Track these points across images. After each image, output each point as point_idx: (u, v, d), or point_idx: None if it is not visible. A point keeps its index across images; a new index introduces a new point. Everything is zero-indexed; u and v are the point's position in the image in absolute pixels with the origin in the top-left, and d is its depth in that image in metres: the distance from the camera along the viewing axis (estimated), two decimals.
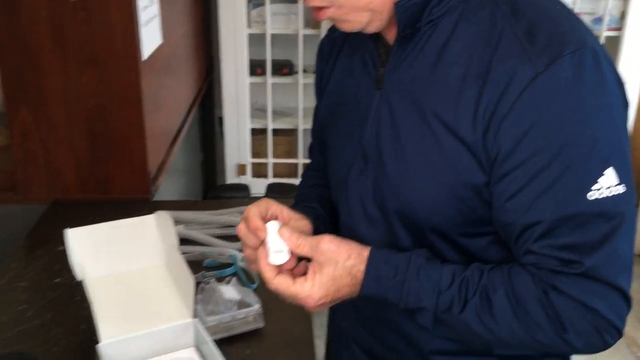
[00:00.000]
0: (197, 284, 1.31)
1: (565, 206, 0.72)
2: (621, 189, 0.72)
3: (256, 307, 1.22)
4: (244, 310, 1.21)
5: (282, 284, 0.84)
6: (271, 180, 3.41)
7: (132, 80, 1.68)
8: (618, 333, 0.76)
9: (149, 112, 1.80)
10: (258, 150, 3.44)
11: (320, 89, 1.04)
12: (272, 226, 0.86)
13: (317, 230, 0.96)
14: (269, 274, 0.85)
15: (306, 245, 0.83)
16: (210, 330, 1.18)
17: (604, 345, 0.76)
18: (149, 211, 1.67)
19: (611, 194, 0.71)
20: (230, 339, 1.19)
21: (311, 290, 0.81)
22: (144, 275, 1.19)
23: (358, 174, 0.88)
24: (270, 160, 3.42)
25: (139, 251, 1.21)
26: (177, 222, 1.62)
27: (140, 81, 1.69)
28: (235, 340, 1.19)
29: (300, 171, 3.48)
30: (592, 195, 0.71)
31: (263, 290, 1.34)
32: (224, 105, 3.25)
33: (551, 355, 0.90)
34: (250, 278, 1.42)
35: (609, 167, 0.71)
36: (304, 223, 0.94)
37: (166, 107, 2.16)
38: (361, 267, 0.81)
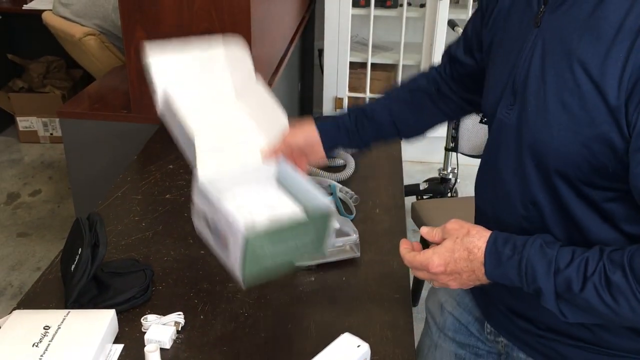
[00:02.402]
0: None
1: None
2: None
3: (354, 236, 1.25)
4: (342, 239, 1.24)
5: (408, 254, 0.92)
6: None
7: (242, 6, 1.70)
8: None
9: (256, 39, 1.82)
10: (355, 84, 3.41)
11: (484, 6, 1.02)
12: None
13: (330, 140, 1.13)
14: (402, 251, 0.94)
15: (438, 232, 0.91)
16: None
17: None
18: None
19: None
20: (327, 265, 1.23)
21: (431, 257, 0.88)
22: (226, 106, 1.15)
23: (507, 107, 0.89)
24: (368, 95, 3.39)
25: (219, 82, 1.15)
26: None
27: (249, 7, 1.70)
28: (332, 267, 1.23)
29: None
30: None
31: (360, 221, 1.37)
32: (325, 37, 3.23)
33: None
34: (348, 209, 1.44)
35: None
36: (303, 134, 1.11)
37: (271, 35, 2.18)
38: (479, 243, 0.85)
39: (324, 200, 0.99)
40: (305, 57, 3.54)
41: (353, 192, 1.48)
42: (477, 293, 1.07)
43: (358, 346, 0.96)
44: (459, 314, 1.12)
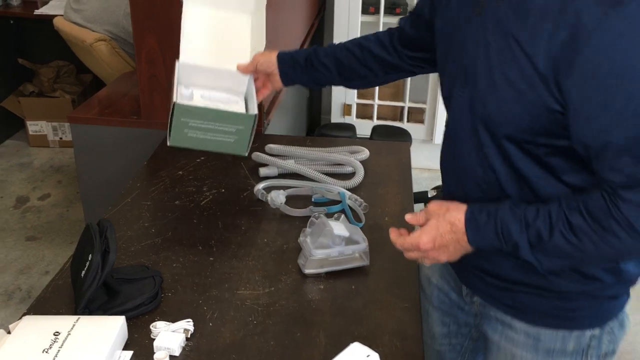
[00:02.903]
0: (307, 217, 1.36)
1: (631, 128, 0.82)
2: None
3: (363, 245, 1.25)
4: (352, 247, 1.24)
5: (399, 239, 1.07)
6: (376, 122, 3.40)
7: None
8: None
9: (267, 47, 1.82)
10: (363, 91, 3.42)
11: None
12: None
13: (286, 73, 1.39)
14: (393, 237, 1.09)
15: (422, 214, 1.05)
16: (318, 263, 1.22)
17: None
18: (261, 144, 1.73)
19: None
20: (336, 273, 1.23)
21: (419, 236, 1.02)
22: (233, 23, 1.44)
23: (460, 87, 1.00)
24: (376, 102, 3.39)
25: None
26: (288, 156, 1.67)
27: None
28: (341, 275, 1.23)
29: (406, 115, 3.44)
30: None
31: (370, 229, 1.37)
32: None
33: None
34: (357, 216, 1.44)
35: None
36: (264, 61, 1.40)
37: (281, 42, 2.18)
38: (459, 216, 0.99)
39: (254, 109, 1.31)
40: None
41: (362, 200, 1.48)
42: (455, 262, 1.15)
43: (368, 356, 0.96)
44: (441, 284, 1.26)
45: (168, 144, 1.31)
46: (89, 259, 1.05)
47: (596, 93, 0.83)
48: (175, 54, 1.75)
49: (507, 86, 0.90)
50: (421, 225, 1.03)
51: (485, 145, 0.97)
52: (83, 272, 1.06)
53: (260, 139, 1.79)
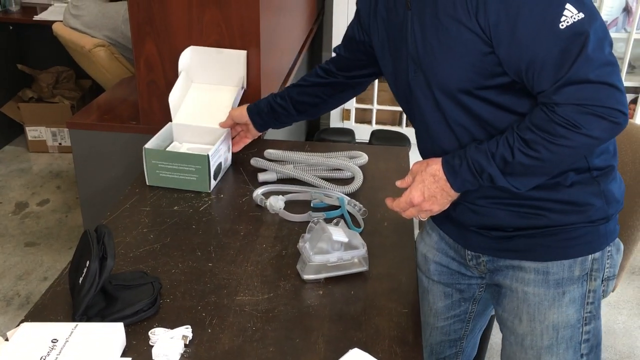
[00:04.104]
0: (306, 223, 1.36)
1: (548, 39, 0.97)
2: (582, 14, 0.96)
3: (363, 250, 1.24)
4: (351, 252, 1.23)
5: (394, 202, 1.20)
6: (375, 127, 3.40)
7: (251, 18, 1.71)
8: (621, 113, 0.98)
9: (265, 51, 1.82)
10: (362, 95, 3.41)
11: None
12: None
13: (257, 121, 1.63)
14: (389, 203, 1.22)
15: (408, 177, 1.19)
16: (317, 268, 1.22)
17: (616, 126, 0.98)
18: (260, 149, 1.73)
19: (575, 20, 0.96)
20: (335, 279, 1.23)
21: (409, 193, 1.16)
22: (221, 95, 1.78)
23: (413, 72, 1.16)
24: (375, 106, 3.39)
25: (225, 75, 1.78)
26: (286, 162, 1.67)
27: (259, 20, 1.71)
28: (340, 280, 1.23)
29: (405, 119, 3.44)
30: (562, 24, 0.96)
31: (369, 235, 1.37)
32: (333, 47, 3.23)
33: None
34: (356, 222, 1.44)
35: (566, 3, 0.96)
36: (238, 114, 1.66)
37: (280, 47, 2.19)
38: (437, 167, 1.13)
39: (210, 152, 1.53)
40: (313, 68, 3.55)
41: (361, 205, 1.47)
42: (452, 232, 1.29)
43: None
44: (439, 258, 1.35)
45: (147, 183, 1.58)
46: (87, 265, 1.05)
47: (506, 16, 0.98)
48: (175, 60, 1.75)
49: (447, 52, 1.07)
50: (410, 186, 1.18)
51: (449, 109, 1.12)
52: (81, 279, 1.06)
53: (259, 144, 1.79)
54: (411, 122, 1.28)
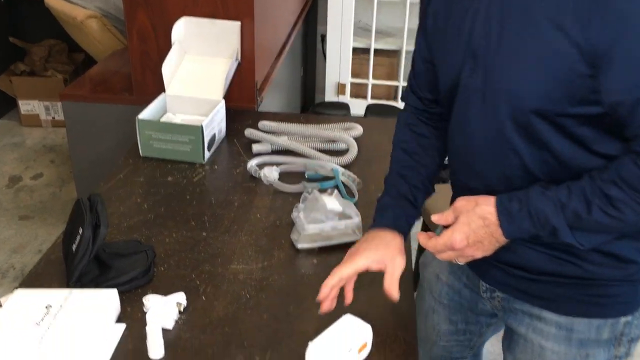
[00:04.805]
0: (300, 194, 1.36)
1: None
2: None
3: (356, 219, 1.25)
4: (345, 222, 1.24)
5: (430, 242, 0.97)
6: (370, 101, 3.38)
7: None
8: None
9: (259, 24, 1.80)
10: (358, 70, 3.40)
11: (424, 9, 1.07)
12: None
13: (405, 234, 1.09)
14: (422, 241, 0.99)
15: (449, 213, 0.97)
16: (311, 238, 1.22)
17: None
18: (254, 121, 1.72)
19: None
20: (329, 248, 1.23)
21: (451, 235, 0.94)
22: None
23: (469, 71, 0.93)
24: (370, 81, 3.38)
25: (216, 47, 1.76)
26: (281, 133, 1.66)
27: None
28: (334, 250, 1.23)
29: (400, 93, 3.43)
30: None
31: (363, 205, 1.37)
32: (329, 22, 3.21)
33: None
34: (351, 192, 1.44)
35: None
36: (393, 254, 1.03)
37: (274, 20, 2.16)
38: (490, 209, 0.92)
39: (204, 123, 1.53)
40: (308, 42, 3.52)
41: (355, 176, 1.47)
42: None
43: (360, 327, 0.96)
44: (452, 281, 1.19)
45: (140, 154, 1.58)
46: (80, 232, 1.05)
47: (627, 39, 0.78)
48: (168, 31, 1.73)
49: (531, 57, 0.85)
50: (449, 225, 0.96)
51: (507, 129, 0.91)
52: (74, 246, 1.06)
53: (253, 116, 1.78)
54: (449, 139, 1.05)
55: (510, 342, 1.12)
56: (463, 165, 1.03)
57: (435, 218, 0.98)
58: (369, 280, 1.15)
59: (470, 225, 0.93)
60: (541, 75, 0.85)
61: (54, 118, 3.68)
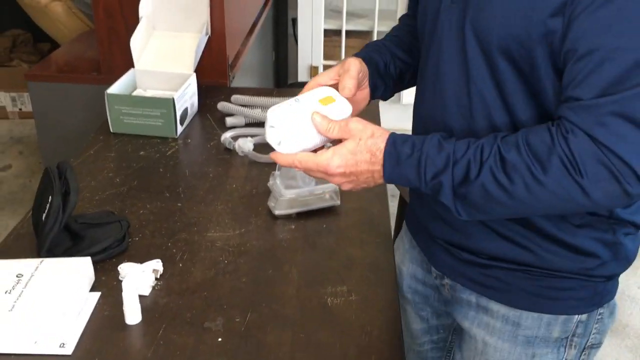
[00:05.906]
0: (275, 164, 1.33)
1: (619, 37, 0.70)
2: None
3: (333, 184, 1.23)
4: (321, 187, 1.22)
5: (304, 157, 0.87)
6: None
7: None
8: (638, 180, 0.72)
9: (228, 6, 1.78)
10: (330, 52, 3.38)
11: None
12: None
13: (372, 82, 1.02)
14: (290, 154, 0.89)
15: (336, 127, 0.86)
16: (288, 203, 1.20)
17: (625, 196, 0.73)
18: (227, 96, 1.70)
19: None
20: (307, 213, 1.22)
21: (330, 158, 0.84)
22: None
23: (449, 2, 0.86)
24: None
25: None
26: (254, 106, 1.64)
27: None
28: (312, 215, 1.22)
29: None
30: None
31: None
32: (299, 5, 3.18)
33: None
34: None
35: None
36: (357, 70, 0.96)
37: (241, 2, 2.13)
38: (381, 145, 0.83)
39: (175, 96, 1.50)
40: (279, 27, 3.49)
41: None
42: (421, 239, 1.04)
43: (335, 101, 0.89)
44: (413, 270, 1.10)
45: (111, 130, 1.54)
46: (49, 201, 1.02)
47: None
48: (135, 6, 1.69)
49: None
50: (332, 140, 0.88)
51: (476, 66, 0.83)
52: (44, 215, 1.03)
53: (226, 92, 1.75)
54: (419, 74, 0.98)
55: (460, 339, 1.04)
56: (428, 103, 0.94)
57: (317, 120, 0.86)
58: (349, 243, 1.14)
59: (355, 155, 0.84)
60: (514, 9, 0.78)
61: (21, 109, 3.59)
